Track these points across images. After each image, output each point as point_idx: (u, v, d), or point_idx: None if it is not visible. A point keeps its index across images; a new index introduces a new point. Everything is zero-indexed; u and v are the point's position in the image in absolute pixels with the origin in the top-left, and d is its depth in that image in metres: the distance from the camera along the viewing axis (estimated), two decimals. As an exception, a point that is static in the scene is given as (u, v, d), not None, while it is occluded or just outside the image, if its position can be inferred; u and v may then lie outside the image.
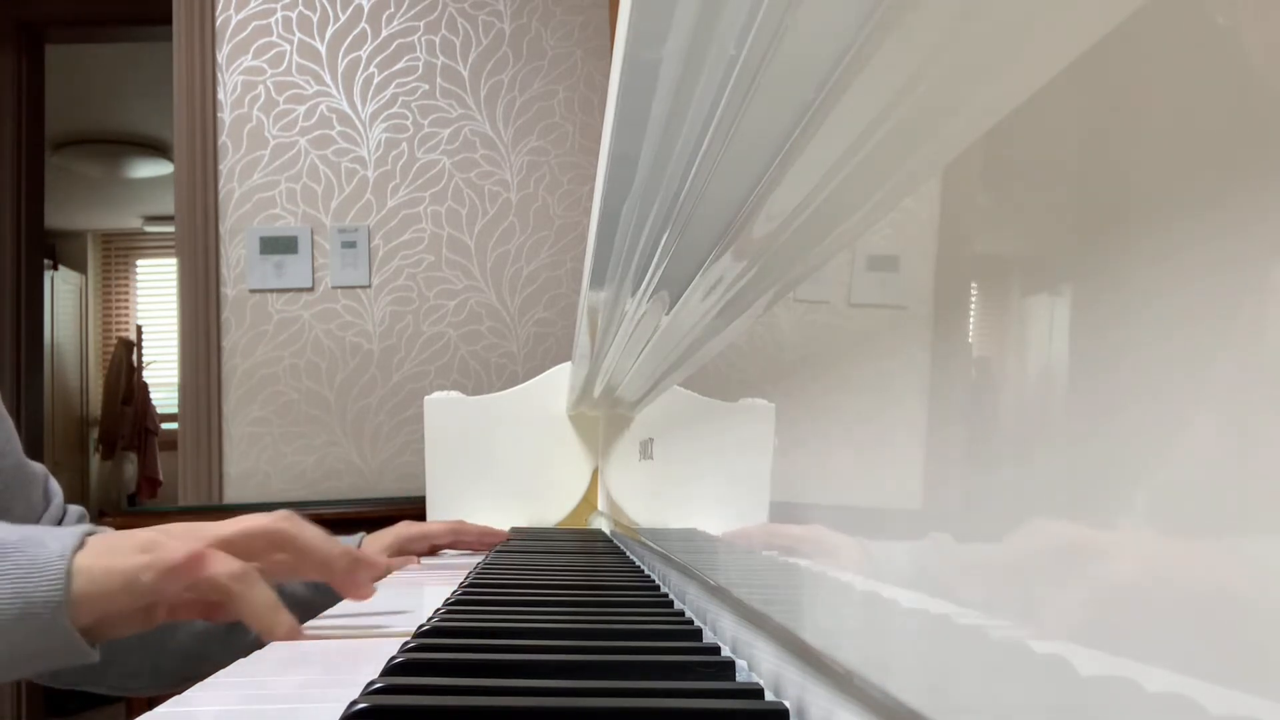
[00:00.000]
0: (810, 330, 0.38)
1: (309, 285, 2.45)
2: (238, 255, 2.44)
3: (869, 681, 0.29)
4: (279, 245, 2.44)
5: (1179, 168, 0.16)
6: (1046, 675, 0.19)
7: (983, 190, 0.24)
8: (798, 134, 0.30)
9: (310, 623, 0.63)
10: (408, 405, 2.45)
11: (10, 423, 0.82)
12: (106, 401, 5.34)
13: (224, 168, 2.44)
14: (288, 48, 2.47)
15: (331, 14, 2.48)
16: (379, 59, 2.49)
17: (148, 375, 5.47)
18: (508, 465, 1.31)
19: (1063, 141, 0.20)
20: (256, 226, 2.45)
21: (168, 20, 2.46)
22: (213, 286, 2.42)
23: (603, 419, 1.26)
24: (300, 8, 2.47)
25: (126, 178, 5.17)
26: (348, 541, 0.84)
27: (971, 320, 0.24)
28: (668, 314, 0.56)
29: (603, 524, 1.30)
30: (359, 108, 2.48)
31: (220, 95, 2.45)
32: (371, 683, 0.37)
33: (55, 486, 0.86)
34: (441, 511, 1.30)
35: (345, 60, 2.48)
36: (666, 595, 0.62)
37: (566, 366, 1.25)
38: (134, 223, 5.81)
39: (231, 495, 2.42)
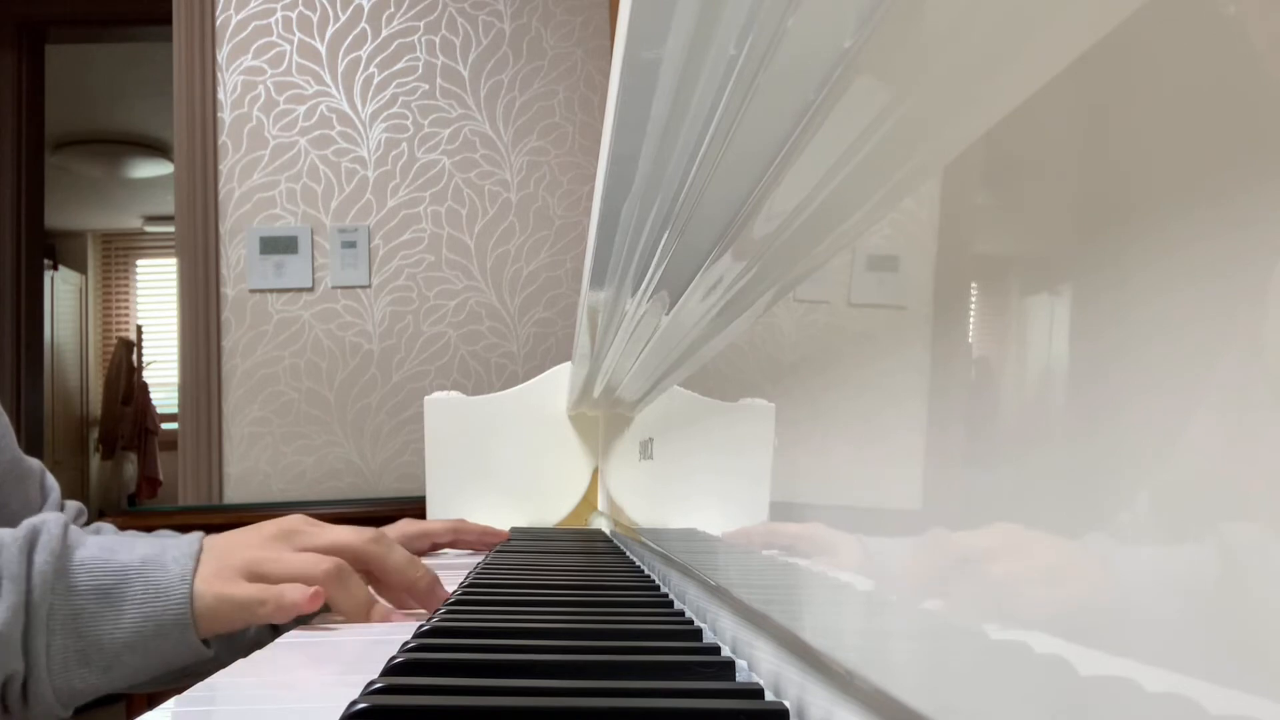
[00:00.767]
0: (810, 330, 0.38)
1: (309, 285, 2.45)
2: (238, 255, 2.44)
3: (869, 681, 0.29)
4: (279, 245, 2.44)
5: (1179, 167, 0.16)
6: (1046, 675, 0.19)
7: (982, 190, 0.24)
8: (798, 134, 0.30)
9: (310, 623, 0.64)
10: (408, 405, 2.45)
11: (5, 419, 0.82)
12: (106, 401, 5.35)
13: (224, 168, 2.45)
14: (288, 48, 2.47)
15: (331, 14, 2.48)
16: (379, 59, 2.49)
17: (148, 375, 5.47)
18: (508, 465, 1.31)
19: (1062, 141, 0.20)
20: (256, 226, 2.45)
21: (168, 20, 2.46)
22: (213, 286, 2.42)
23: (603, 419, 1.26)
24: (300, 8, 2.47)
25: (126, 178, 5.18)
26: None
27: (971, 320, 0.24)
28: (668, 314, 0.56)
29: (603, 524, 1.30)
30: (359, 108, 2.48)
31: (220, 95, 2.45)
32: (371, 683, 0.37)
33: (52, 481, 0.86)
34: (441, 511, 1.30)
35: (345, 60, 2.48)
36: (666, 595, 0.62)
37: (566, 366, 1.25)
38: (134, 223, 5.82)
39: (231, 495, 2.42)
